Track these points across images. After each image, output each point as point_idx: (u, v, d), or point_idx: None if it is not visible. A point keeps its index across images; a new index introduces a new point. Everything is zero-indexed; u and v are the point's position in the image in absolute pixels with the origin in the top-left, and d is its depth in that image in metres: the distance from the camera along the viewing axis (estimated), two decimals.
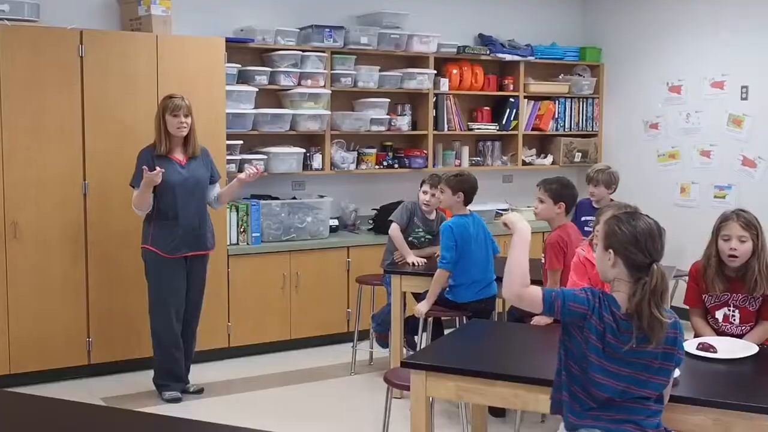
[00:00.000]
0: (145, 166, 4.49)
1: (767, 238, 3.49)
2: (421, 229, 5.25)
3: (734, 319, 3.48)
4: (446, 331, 4.75)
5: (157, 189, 4.61)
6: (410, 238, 5.23)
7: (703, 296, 3.55)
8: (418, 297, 4.92)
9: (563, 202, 4.31)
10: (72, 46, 4.94)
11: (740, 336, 3.44)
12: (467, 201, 4.67)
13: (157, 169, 4.47)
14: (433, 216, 5.30)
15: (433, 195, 5.13)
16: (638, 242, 2.48)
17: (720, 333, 3.49)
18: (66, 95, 4.95)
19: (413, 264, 5.05)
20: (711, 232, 3.52)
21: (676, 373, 2.66)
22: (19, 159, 4.86)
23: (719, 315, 3.51)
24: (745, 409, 2.63)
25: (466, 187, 4.63)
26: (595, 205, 5.27)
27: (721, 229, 3.46)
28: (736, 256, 3.41)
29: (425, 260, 5.09)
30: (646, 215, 2.59)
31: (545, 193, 4.30)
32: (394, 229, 5.18)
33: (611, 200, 5.13)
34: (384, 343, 5.33)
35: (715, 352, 3.09)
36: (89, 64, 4.99)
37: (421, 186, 5.28)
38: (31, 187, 4.90)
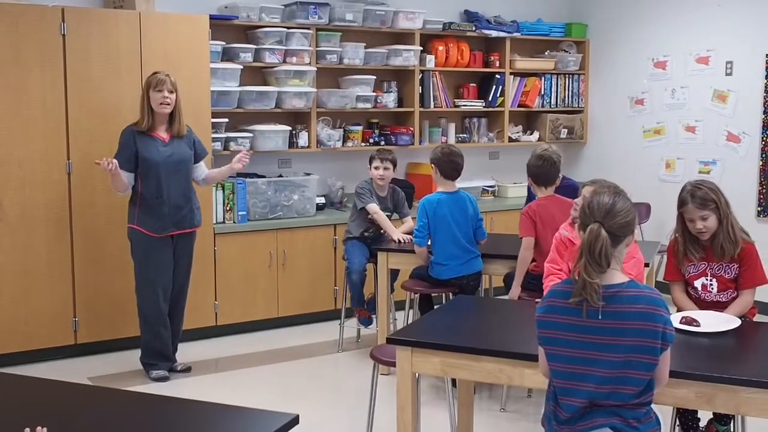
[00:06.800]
0: (103, 158, 4.44)
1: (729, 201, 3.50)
2: (379, 207, 5.26)
3: (712, 288, 3.55)
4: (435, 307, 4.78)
5: (140, 168, 4.60)
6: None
7: (683, 267, 3.60)
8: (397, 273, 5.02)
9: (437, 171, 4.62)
10: (54, 24, 4.88)
11: (718, 303, 3.52)
12: (447, 177, 4.69)
13: (105, 158, 4.43)
14: (385, 192, 5.31)
15: (386, 169, 5.19)
16: (585, 211, 2.50)
17: (699, 301, 3.57)
18: (48, 74, 4.90)
19: (399, 241, 5.05)
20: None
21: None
22: (2, 138, 4.82)
23: (698, 284, 3.58)
24: (727, 381, 2.66)
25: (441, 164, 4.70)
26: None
27: (683, 213, 3.52)
28: (704, 232, 3.49)
29: (411, 237, 5.10)
30: (616, 195, 2.54)
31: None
32: (375, 209, 5.16)
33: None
34: (365, 319, 5.31)
35: (698, 325, 3.12)
36: (71, 42, 4.94)
37: (370, 163, 5.26)
38: (14, 166, 4.86)
